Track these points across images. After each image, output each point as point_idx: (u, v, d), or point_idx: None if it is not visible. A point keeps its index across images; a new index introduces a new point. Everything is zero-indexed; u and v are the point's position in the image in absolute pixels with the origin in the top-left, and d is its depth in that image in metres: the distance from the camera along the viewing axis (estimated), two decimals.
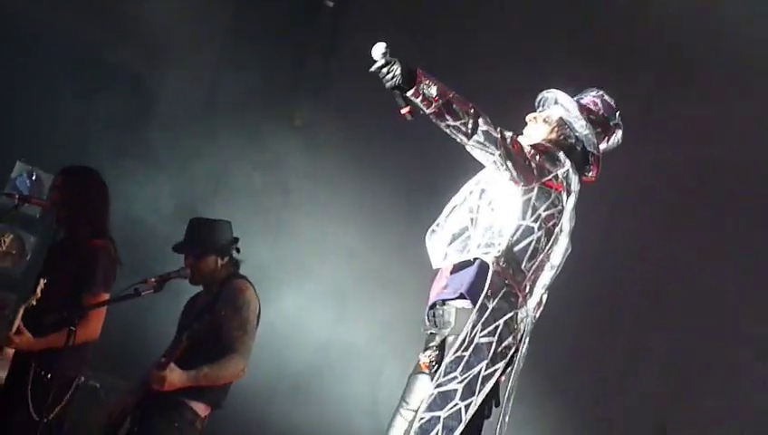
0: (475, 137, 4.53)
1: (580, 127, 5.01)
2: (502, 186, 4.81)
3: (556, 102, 5.10)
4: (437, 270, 4.99)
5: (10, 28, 8.84)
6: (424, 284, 5.06)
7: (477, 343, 4.65)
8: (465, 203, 4.93)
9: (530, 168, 4.73)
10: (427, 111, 4.46)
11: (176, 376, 5.97)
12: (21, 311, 6.07)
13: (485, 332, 4.66)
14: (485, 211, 4.85)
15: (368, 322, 8.64)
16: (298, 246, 8.87)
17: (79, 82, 8.90)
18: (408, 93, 4.41)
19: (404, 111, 4.48)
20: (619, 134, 5.15)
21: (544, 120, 5.08)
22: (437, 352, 4.76)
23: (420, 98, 4.42)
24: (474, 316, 4.66)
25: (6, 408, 6.11)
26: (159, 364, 5.96)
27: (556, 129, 5.04)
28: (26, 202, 6.85)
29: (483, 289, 4.68)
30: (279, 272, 8.59)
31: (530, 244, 4.77)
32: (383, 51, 4.38)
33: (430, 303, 4.93)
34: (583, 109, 5.06)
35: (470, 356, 4.65)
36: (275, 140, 8.94)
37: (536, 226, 4.78)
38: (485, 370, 4.65)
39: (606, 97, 5.15)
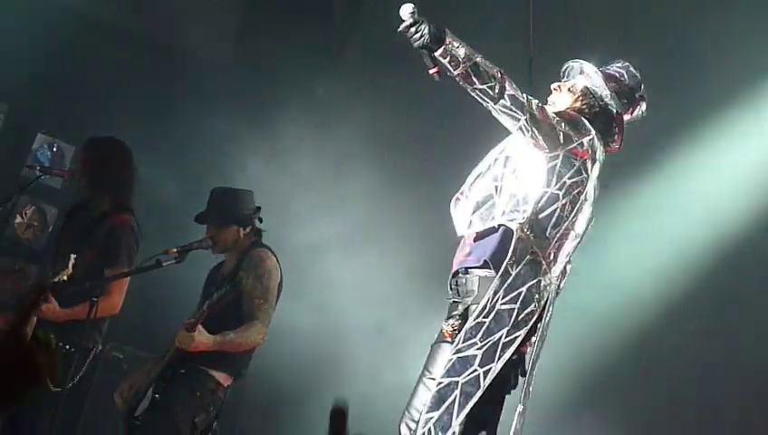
0: (501, 101, 4.51)
1: (605, 97, 4.98)
2: (526, 153, 4.78)
3: (581, 72, 5.06)
4: (461, 238, 4.98)
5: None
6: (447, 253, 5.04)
7: (499, 310, 4.63)
8: (490, 171, 4.90)
9: (555, 134, 4.69)
10: (454, 73, 4.45)
11: (203, 338, 5.98)
12: (51, 280, 6.07)
13: (507, 298, 4.64)
14: (510, 179, 4.82)
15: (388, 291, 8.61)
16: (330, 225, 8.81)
17: (101, 52, 8.85)
18: (436, 53, 4.40)
19: (432, 70, 4.50)
20: (643, 106, 5.12)
21: (569, 90, 5.05)
22: (460, 321, 4.75)
23: (448, 58, 4.41)
24: (496, 282, 4.64)
25: None
26: (188, 324, 5.95)
27: (581, 98, 5.01)
28: (48, 174, 6.83)
29: (506, 256, 4.65)
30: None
31: (554, 211, 4.74)
32: (411, 10, 4.39)
33: (453, 271, 4.92)
34: (609, 78, 5.03)
35: (491, 322, 4.62)
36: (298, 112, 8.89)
37: (561, 193, 4.75)
38: (506, 337, 4.63)
39: (631, 69, 5.12)
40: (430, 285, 7.14)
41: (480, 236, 4.82)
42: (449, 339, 4.80)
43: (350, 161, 8.67)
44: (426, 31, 4.36)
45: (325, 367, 8.51)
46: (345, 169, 8.73)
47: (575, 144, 4.78)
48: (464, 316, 4.75)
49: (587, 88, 5.01)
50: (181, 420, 6.08)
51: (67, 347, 6.05)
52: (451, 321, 4.79)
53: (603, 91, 4.97)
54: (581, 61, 5.07)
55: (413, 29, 4.37)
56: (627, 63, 5.12)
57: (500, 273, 4.65)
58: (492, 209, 4.80)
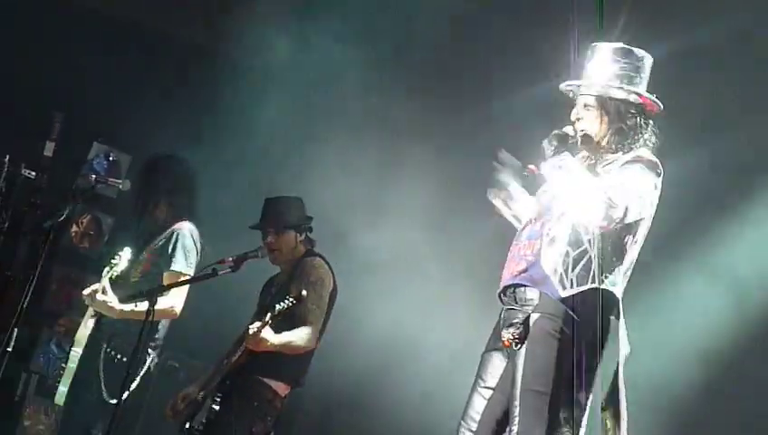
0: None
1: (623, 95, 4.92)
2: None
3: (586, 85, 5.02)
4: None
5: (87, 11, 8.88)
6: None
7: None
8: None
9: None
10: None
11: (269, 336, 5.98)
12: (106, 276, 6.10)
13: None
14: None
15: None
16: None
17: (156, 63, 8.90)
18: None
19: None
20: (648, 63, 5.01)
21: (586, 109, 4.98)
22: (521, 330, 4.69)
23: None
24: None
25: (81, 387, 6.12)
26: (255, 325, 5.95)
27: (606, 114, 4.95)
28: (104, 183, 6.85)
29: None
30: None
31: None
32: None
33: (507, 284, 4.88)
34: (611, 78, 4.95)
35: None
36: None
37: None
38: None
39: (614, 47, 5.02)
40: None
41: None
42: (507, 348, 4.76)
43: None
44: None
45: (379, 377, 8.48)
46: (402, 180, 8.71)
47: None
48: (525, 324, 4.71)
49: (601, 97, 4.96)
50: (239, 431, 6.10)
51: (119, 356, 6.07)
52: (512, 329, 4.74)
53: (616, 92, 4.93)
54: (575, 82, 5.05)
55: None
56: (608, 47, 5.02)
57: None
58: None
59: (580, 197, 4.68)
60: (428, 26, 8.51)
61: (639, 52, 4.99)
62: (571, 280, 4.69)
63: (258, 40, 8.65)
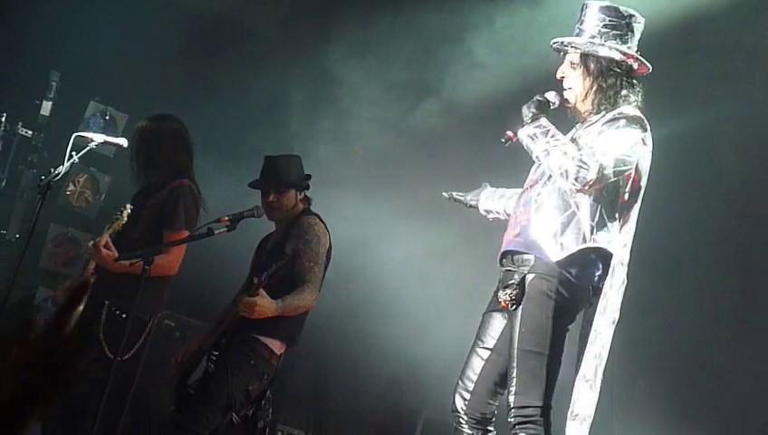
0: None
1: (606, 52, 4.91)
2: None
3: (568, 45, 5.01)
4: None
5: None
6: None
7: None
8: None
9: None
10: None
11: (266, 303, 5.96)
12: (108, 230, 6.09)
13: None
14: None
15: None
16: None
17: (153, 21, 8.86)
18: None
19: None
20: (637, 22, 4.99)
21: (572, 68, 4.98)
22: (517, 290, 4.70)
23: None
24: None
25: None
26: (253, 286, 5.94)
27: (588, 72, 4.95)
28: (100, 142, 6.83)
29: None
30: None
31: None
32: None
33: (505, 249, 4.93)
34: (595, 34, 4.94)
35: None
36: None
37: None
38: None
39: (601, 5, 5.00)
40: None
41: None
42: (505, 308, 4.78)
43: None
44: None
45: (377, 337, 8.49)
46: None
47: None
48: (521, 285, 4.72)
49: (585, 54, 4.94)
50: (235, 389, 6.08)
51: (118, 313, 6.07)
52: (508, 290, 4.77)
53: (601, 48, 4.92)
54: (559, 39, 5.04)
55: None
56: (595, 5, 5.01)
57: None
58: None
59: (553, 162, 4.70)
60: None
61: (626, 9, 4.98)
62: (561, 243, 4.71)
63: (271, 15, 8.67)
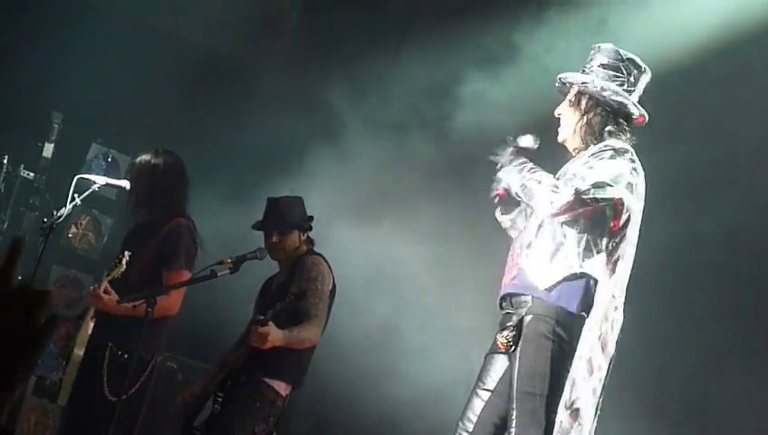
0: None
1: (596, 89, 4.95)
2: None
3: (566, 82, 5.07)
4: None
5: (87, 12, 8.89)
6: None
7: None
8: None
9: None
10: None
11: (275, 332, 5.96)
12: (107, 277, 6.10)
13: None
14: None
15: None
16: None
17: (154, 61, 8.91)
18: None
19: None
20: (636, 66, 5.01)
21: (569, 105, 5.04)
22: (514, 332, 4.72)
23: None
24: None
25: (84, 388, 6.11)
26: (260, 320, 5.94)
27: (580, 108, 4.99)
28: (103, 184, 6.86)
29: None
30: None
31: None
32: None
33: (504, 293, 4.96)
34: (592, 72, 4.99)
35: None
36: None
37: None
38: None
39: (605, 47, 5.05)
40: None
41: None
42: (503, 350, 4.79)
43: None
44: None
45: (377, 377, 8.49)
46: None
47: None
48: (518, 327, 4.74)
49: (581, 93, 5.00)
50: (242, 431, 6.08)
51: (120, 354, 6.07)
52: (506, 332, 4.80)
53: (601, 84, 4.95)
54: (564, 75, 5.09)
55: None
56: (606, 47, 5.06)
57: None
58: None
59: (529, 192, 4.77)
60: None
61: (626, 53, 5.01)
62: (549, 272, 4.75)
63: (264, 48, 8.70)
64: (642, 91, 5.03)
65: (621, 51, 5.01)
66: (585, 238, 4.75)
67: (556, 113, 5.06)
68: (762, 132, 7.51)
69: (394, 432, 8.64)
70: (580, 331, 4.72)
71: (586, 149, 4.94)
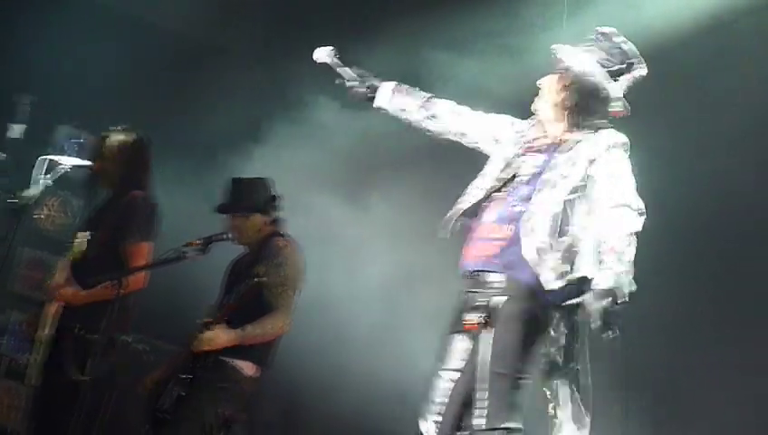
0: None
1: (582, 66, 4.95)
2: None
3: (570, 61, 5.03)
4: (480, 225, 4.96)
5: None
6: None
7: None
8: None
9: None
10: None
11: (222, 335, 5.99)
12: (65, 263, 6.08)
13: None
14: None
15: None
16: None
17: (125, 45, 8.88)
18: None
19: None
20: (636, 71, 5.00)
21: (553, 79, 5.04)
22: (485, 313, 4.70)
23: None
24: None
25: (52, 369, 6.11)
26: (205, 323, 5.95)
27: (566, 83, 4.98)
28: (73, 166, 6.84)
29: None
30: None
31: None
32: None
33: (476, 268, 4.87)
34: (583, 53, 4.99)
35: None
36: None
37: None
38: None
39: (604, 30, 5.04)
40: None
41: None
42: (472, 331, 4.76)
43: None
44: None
45: (349, 362, 8.50)
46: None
47: None
48: (489, 308, 4.71)
49: (571, 68, 4.98)
50: (207, 413, 6.07)
51: (88, 335, 6.06)
52: (476, 313, 4.75)
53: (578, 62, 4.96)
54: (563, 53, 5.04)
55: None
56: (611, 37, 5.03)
57: None
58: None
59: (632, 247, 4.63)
60: None
61: (625, 42, 4.99)
62: (558, 271, 4.67)
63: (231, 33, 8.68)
64: (631, 83, 4.99)
65: (621, 38, 4.99)
66: (593, 239, 4.73)
67: (538, 83, 5.06)
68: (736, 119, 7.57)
69: (367, 417, 8.65)
70: (553, 313, 4.74)
71: (567, 127, 4.95)
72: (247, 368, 6.21)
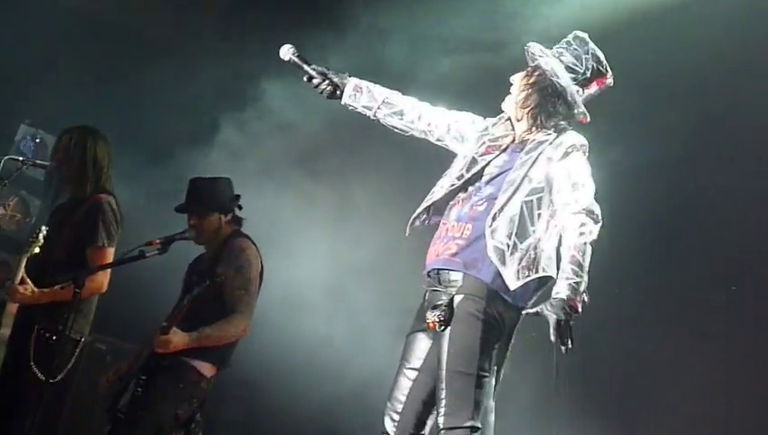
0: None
1: (550, 66, 4.95)
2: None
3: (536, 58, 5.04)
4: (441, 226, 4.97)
5: None
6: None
7: None
8: None
9: None
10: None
11: (179, 338, 5.98)
12: (23, 261, 6.05)
13: None
14: None
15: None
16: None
17: (82, 43, 8.84)
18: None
19: None
20: (602, 80, 5.02)
21: (523, 76, 5.04)
22: (446, 311, 4.70)
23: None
24: None
25: (11, 369, 6.07)
26: (162, 328, 5.95)
27: (533, 82, 4.98)
28: (31, 165, 6.80)
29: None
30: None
31: None
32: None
33: (437, 266, 4.87)
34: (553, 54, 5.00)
35: None
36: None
37: None
38: None
39: (577, 33, 5.05)
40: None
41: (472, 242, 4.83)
42: (432, 329, 4.76)
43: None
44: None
45: (309, 362, 8.50)
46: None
47: None
48: (449, 306, 4.72)
49: (539, 67, 4.99)
50: (164, 413, 6.07)
51: (49, 335, 6.03)
52: (437, 311, 4.73)
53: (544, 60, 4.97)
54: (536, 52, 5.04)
55: None
56: (584, 47, 5.02)
57: None
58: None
59: (585, 262, 4.62)
60: None
61: (595, 50, 5.00)
62: (517, 272, 4.66)
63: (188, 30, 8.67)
64: (596, 92, 5.01)
65: (592, 45, 5.00)
66: (556, 239, 4.77)
67: (511, 79, 5.07)
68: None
69: (327, 417, 8.66)
70: (515, 310, 4.74)
71: (529, 126, 4.97)
72: (205, 369, 6.21)
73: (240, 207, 6.57)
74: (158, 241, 5.96)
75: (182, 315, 6.02)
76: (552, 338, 4.44)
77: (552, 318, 4.45)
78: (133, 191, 7.34)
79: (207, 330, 6.09)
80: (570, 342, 4.45)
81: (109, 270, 6.24)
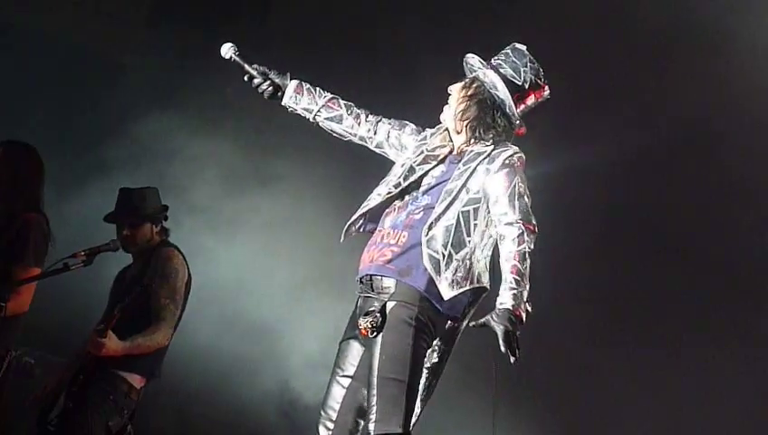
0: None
1: (487, 78, 4.94)
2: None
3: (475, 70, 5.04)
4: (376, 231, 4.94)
5: None
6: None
7: None
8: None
9: None
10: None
11: (113, 344, 5.97)
12: None
13: None
14: None
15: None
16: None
17: (15, 55, 8.78)
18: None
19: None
20: (539, 92, 5.02)
21: (461, 87, 5.01)
22: (378, 318, 4.67)
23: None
24: None
25: None
26: (98, 330, 5.91)
27: (471, 93, 4.97)
28: None
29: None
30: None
31: None
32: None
33: (370, 272, 4.84)
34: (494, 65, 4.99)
35: None
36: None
37: None
38: None
39: (516, 45, 5.05)
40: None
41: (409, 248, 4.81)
42: (365, 335, 4.73)
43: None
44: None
45: (237, 368, 8.48)
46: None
47: None
48: (381, 313, 4.69)
49: (477, 79, 4.98)
50: (95, 425, 6.04)
51: None
52: (369, 318, 4.71)
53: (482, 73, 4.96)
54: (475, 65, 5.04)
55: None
56: (524, 60, 5.02)
57: None
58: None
59: (525, 277, 4.62)
60: None
61: (533, 63, 4.99)
62: (453, 282, 4.65)
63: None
64: (532, 105, 5.00)
65: (530, 58, 5.00)
66: (491, 249, 4.78)
67: (449, 89, 5.05)
68: None
69: (258, 424, 8.65)
70: (446, 318, 4.73)
71: (467, 138, 4.95)
72: (135, 380, 6.20)
73: (167, 218, 6.55)
74: (82, 253, 5.88)
75: (113, 324, 6.00)
76: (502, 349, 4.44)
77: (499, 329, 4.45)
78: (64, 204, 7.25)
79: (139, 339, 6.09)
80: (517, 351, 4.45)
81: (32, 290, 6.13)
